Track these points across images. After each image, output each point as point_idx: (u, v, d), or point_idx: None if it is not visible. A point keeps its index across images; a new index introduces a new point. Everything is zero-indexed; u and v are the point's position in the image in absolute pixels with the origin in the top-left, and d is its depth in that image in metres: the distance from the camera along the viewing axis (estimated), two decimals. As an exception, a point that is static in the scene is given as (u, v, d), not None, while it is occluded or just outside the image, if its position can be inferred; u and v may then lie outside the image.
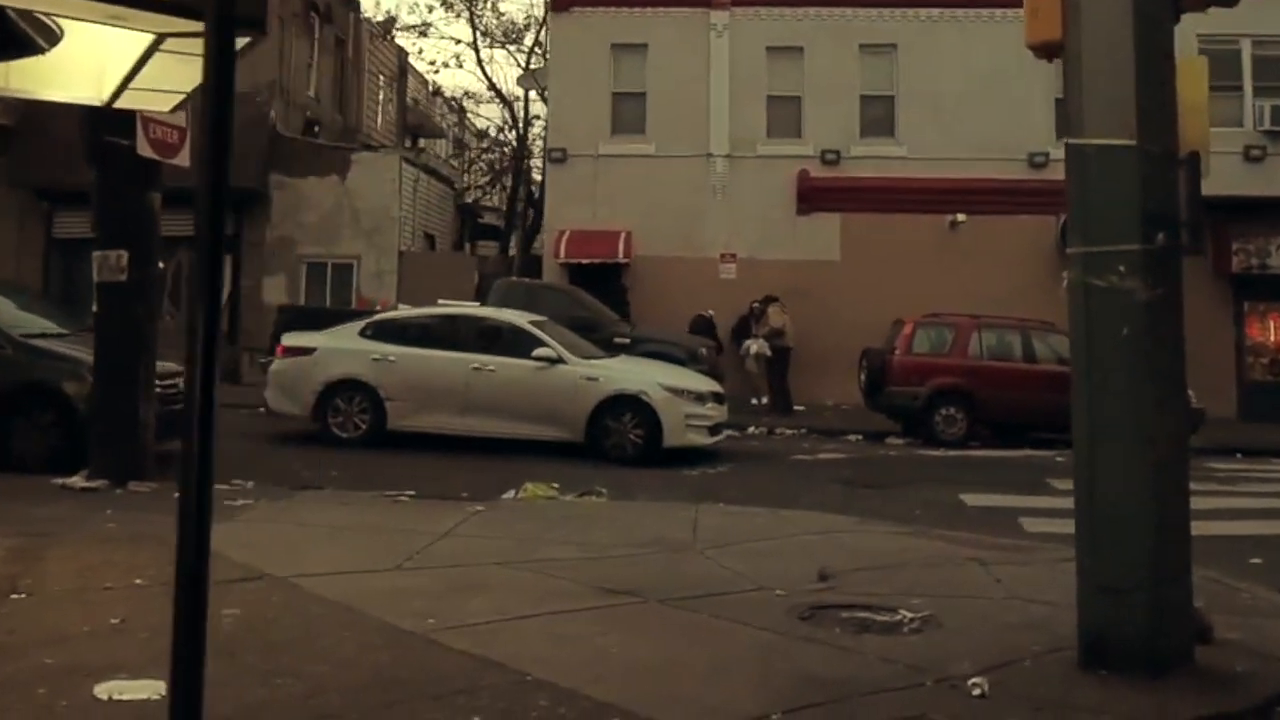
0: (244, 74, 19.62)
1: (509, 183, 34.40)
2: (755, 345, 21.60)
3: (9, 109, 22.60)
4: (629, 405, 14.12)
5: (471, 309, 15.36)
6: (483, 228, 35.17)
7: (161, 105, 8.55)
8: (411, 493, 11.12)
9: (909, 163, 23.32)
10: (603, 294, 21.68)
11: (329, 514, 9.31)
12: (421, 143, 35.92)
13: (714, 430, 14.66)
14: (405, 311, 16.01)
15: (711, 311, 22.00)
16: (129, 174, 10.32)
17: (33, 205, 23.81)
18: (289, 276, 24.08)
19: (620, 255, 23.00)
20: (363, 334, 14.82)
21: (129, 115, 9.95)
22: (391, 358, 14.51)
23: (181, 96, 8.20)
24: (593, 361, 14.68)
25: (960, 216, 23.19)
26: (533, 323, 14.87)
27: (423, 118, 35.45)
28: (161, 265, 10.91)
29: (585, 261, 23.08)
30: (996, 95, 22.98)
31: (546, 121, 25.68)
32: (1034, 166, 23.16)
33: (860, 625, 6.49)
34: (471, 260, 25.39)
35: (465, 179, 34.24)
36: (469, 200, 33.20)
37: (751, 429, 18.62)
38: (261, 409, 15.48)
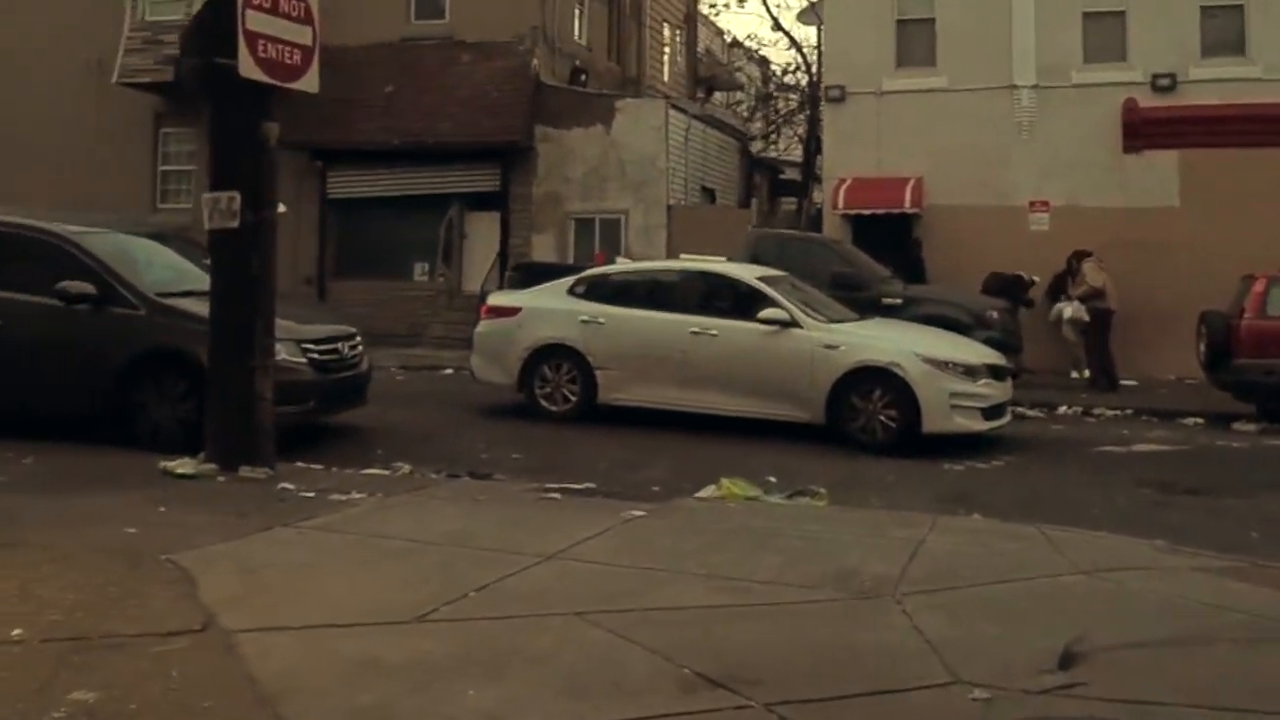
0: (505, 20, 17.96)
1: (801, 131, 31.58)
2: (1070, 309, 18.06)
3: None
4: (879, 380, 11.33)
5: (696, 262, 12.96)
6: (784, 183, 32.61)
7: None
8: (587, 485, 8.95)
9: (1264, 85, 18.87)
10: (890, 249, 18.76)
11: (432, 520, 7.20)
12: (716, 97, 33.63)
13: (991, 413, 11.61)
14: (620, 266, 13.81)
15: (1026, 274, 18.51)
16: (238, 102, 8.57)
17: (307, 165, 23.28)
18: (557, 233, 22.48)
19: (907, 205, 19.86)
20: (572, 292, 12.73)
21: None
22: (601, 319, 12.34)
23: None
24: (835, 326, 11.94)
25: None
26: (763, 279, 12.28)
27: (716, 68, 33.12)
28: (282, 208, 9.12)
29: (868, 212, 20.11)
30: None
31: (819, 55, 22.74)
32: None
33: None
34: (747, 214, 22.92)
35: (749, 128, 31.52)
36: (758, 152, 30.53)
37: (1064, 408, 15.22)
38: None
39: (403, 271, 23.12)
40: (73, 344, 9.72)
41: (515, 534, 6.84)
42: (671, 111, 22.31)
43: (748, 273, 12.52)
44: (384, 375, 17.12)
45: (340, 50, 22.89)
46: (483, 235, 22.83)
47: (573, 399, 12.37)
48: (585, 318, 12.36)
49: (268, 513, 7.06)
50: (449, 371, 17.21)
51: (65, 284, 9.67)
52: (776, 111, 34.07)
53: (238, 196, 8.60)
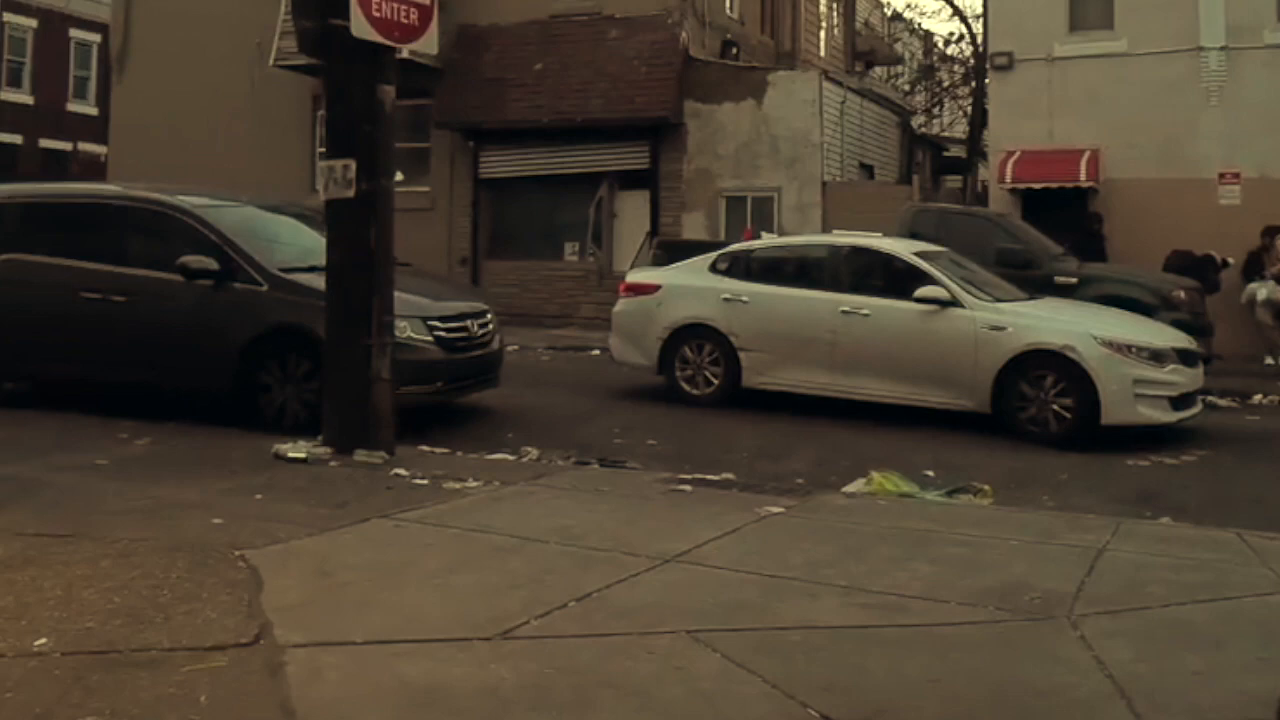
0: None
1: (966, 105, 29.94)
2: (1264, 289, 16.40)
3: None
4: (1051, 364, 10.16)
5: (847, 237, 11.94)
6: (949, 160, 31.06)
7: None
8: (724, 476, 8.14)
9: None
10: (1062, 227, 17.33)
11: (544, 513, 6.48)
12: (875, 71, 32.19)
13: (1180, 402, 10.31)
14: (766, 241, 12.88)
15: (1218, 254, 16.85)
16: (353, 65, 7.98)
17: (461, 145, 22.98)
18: (708, 211, 21.63)
19: (1083, 178, 18.33)
20: (714, 269, 11.87)
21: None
22: (744, 298, 11.45)
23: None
24: (1002, 306, 10.79)
25: None
26: (921, 254, 11.20)
27: (875, 41, 31.67)
28: (400, 176, 8.53)
29: (1038, 186, 18.65)
30: None
31: (985, 21, 21.21)
32: None
33: None
34: (907, 191, 21.64)
35: (910, 103, 29.91)
36: (919, 127, 28.99)
37: (1259, 397, 13.69)
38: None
39: (554, 251, 22.64)
40: (195, 321, 9.36)
41: (633, 532, 6.07)
42: (826, 85, 21.18)
43: (904, 247, 11.45)
44: (529, 356, 16.67)
45: (492, 29, 22.57)
46: (633, 214, 22.16)
47: (715, 382, 11.53)
48: (728, 296, 11.50)
49: (370, 503, 6.45)
50: (595, 352, 16.56)
51: (186, 259, 9.30)
52: (939, 85, 32.45)
53: (353, 164, 8.04)
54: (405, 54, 8.72)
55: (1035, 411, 10.19)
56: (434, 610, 4.51)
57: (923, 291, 10.60)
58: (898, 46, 33.59)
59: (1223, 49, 18.24)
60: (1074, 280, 14.04)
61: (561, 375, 14.25)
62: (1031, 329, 10.35)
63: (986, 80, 25.34)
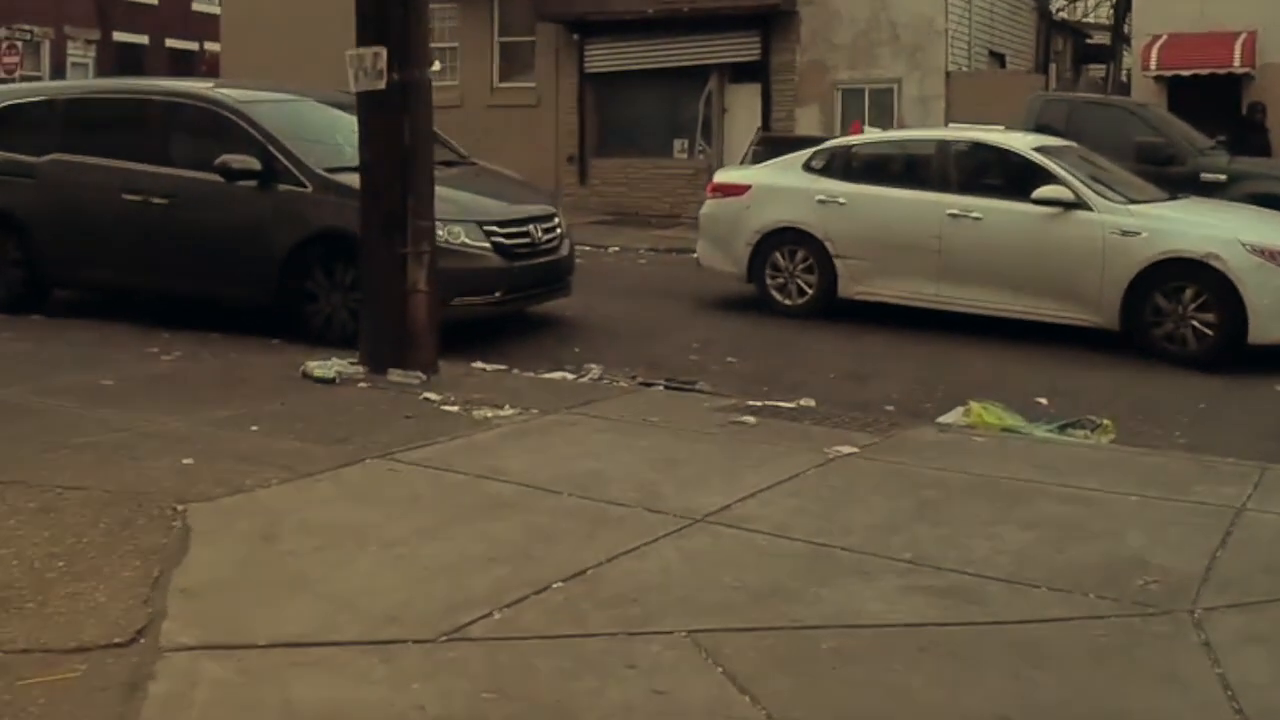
0: None
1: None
2: None
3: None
4: (1191, 274, 8.73)
5: (957, 131, 10.51)
6: (1092, 49, 28.57)
7: None
8: (803, 402, 7.09)
9: None
10: (1216, 118, 15.47)
11: (571, 452, 5.52)
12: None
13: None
14: (867, 136, 11.51)
15: None
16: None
17: (566, 39, 21.80)
18: (823, 106, 20.11)
19: (1237, 63, 16.33)
20: (808, 167, 10.59)
21: None
22: (841, 199, 10.18)
23: None
24: (1136, 208, 9.32)
25: None
26: (1041, 149, 9.73)
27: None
28: (437, 66, 7.51)
29: (1187, 73, 16.70)
30: None
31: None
32: None
33: None
34: (1037, 80, 19.74)
35: None
36: (1057, 11, 26.50)
37: None
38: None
39: (662, 149, 21.46)
40: (236, 225, 8.57)
41: (668, 479, 5.08)
42: (952, -36, 19.31)
43: (1022, 142, 9.98)
44: (625, 259, 15.64)
45: (589, -86, 21.19)
46: (744, 109, 20.79)
47: (809, 292, 10.35)
48: (823, 197, 10.25)
49: (377, 437, 5.58)
50: (696, 255, 15.50)
51: (226, 158, 8.47)
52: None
53: (383, 53, 7.06)
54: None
55: (1172, 328, 8.80)
56: (379, 595, 3.60)
57: (1042, 191, 9.20)
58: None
59: None
60: (1223, 178, 12.39)
61: (651, 281, 13.22)
62: (1169, 234, 8.90)
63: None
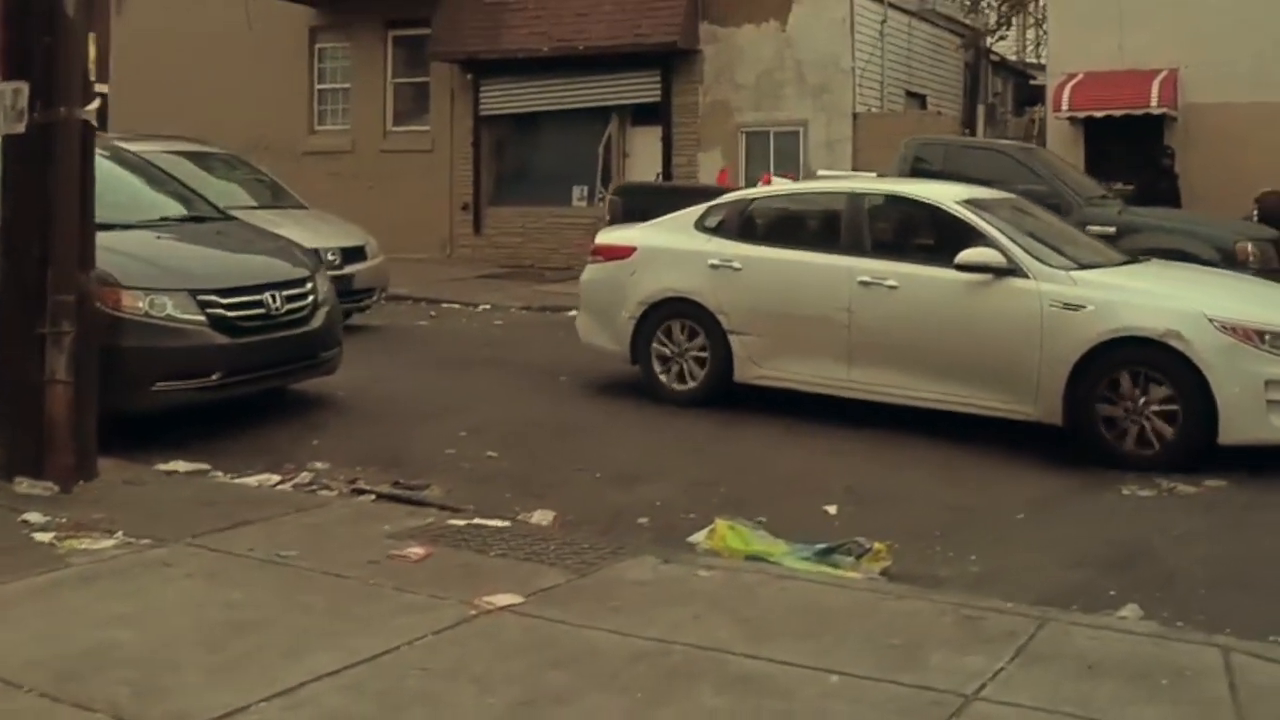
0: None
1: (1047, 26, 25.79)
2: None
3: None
4: (1147, 357, 7.02)
5: (865, 181, 8.77)
6: (1038, 90, 27.11)
7: None
8: (538, 515, 5.50)
9: None
10: (1137, 164, 14.06)
11: (111, 612, 3.90)
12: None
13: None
14: (767, 189, 9.72)
15: None
16: None
17: (460, 80, 19.93)
18: (726, 148, 18.41)
19: (1154, 103, 14.91)
20: (701, 225, 8.76)
21: None
22: (736, 263, 8.36)
23: None
24: (1081, 275, 7.56)
25: None
26: (969, 202, 7.99)
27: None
28: (98, 100, 5.68)
29: (1101, 114, 15.25)
30: None
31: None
32: None
33: None
34: (950, 122, 18.26)
35: (980, 20, 25.69)
36: (989, 48, 24.72)
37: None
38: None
39: (561, 196, 19.64)
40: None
41: (202, 660, 3.64)
42: (861, 1, 17.72)
43: (946, 194, 8.17)
44: (486, 319, 13.61)
45: (487, -52, 19.38)
46: (645, 153, 19.06)
47: (699, 374, 8.50)
48: (715, 261, 8.42)
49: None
50: (573, 313, 13.60)
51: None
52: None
53: (24, 89, 5.31)
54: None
55: (1126, 425, 7.05)
56: None
57: (967, 255, 7.42)
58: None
59: (1333, -55, 14.64)
60: (1112, 230, 10.91)
61: (494, 347, 11.45)
62: (1120, 307, 7.17)
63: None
